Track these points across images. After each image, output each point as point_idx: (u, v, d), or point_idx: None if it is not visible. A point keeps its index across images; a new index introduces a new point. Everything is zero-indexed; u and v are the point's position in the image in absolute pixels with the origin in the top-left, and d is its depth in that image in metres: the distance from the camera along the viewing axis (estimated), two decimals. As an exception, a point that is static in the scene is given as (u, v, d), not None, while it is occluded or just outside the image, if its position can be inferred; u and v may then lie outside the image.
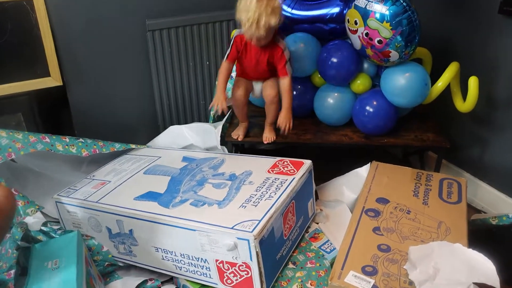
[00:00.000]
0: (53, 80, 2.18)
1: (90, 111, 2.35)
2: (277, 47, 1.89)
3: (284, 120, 1.96)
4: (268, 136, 2.08)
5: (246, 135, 2.16)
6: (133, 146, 2.19)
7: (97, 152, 2.04)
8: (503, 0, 1.97)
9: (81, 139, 2.03)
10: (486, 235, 1.84)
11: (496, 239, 1.81)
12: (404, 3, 1.82)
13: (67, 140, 1.99)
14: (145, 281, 1.77)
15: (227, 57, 1.93)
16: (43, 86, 2.17)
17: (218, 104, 1.91)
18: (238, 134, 2.12)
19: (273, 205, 1.59)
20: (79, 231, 1.71)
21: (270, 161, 1.91)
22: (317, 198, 1.99)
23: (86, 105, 2.33)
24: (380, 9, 1.83)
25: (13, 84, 2.06)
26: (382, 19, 1.83)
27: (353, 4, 1.93)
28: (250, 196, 1.66)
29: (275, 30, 1.85)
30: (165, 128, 2.44)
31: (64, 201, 1.82)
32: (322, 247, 1.81)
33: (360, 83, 2.11)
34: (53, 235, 1.70)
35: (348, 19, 1.97)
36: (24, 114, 2.19)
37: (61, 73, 2.20)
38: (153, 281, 1.77)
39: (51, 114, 2.28)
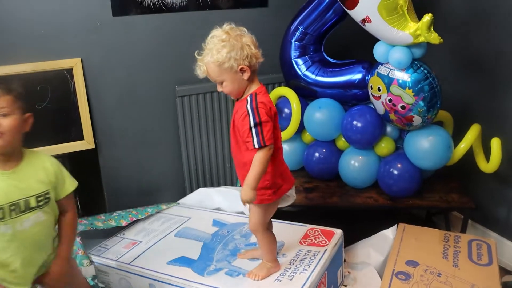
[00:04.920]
0: (86, 143, 2.25)
1: (120, 172, 2.41)
2: (245, 104, 1.43)
3: (242, 195, 1.44)
4: (253, 273, 1.64)
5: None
6: (164, 206, 2.24)
7: (134, 219, 2.09)
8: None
9: (115, 213, 2.11)
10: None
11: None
12: (425, 71, 1.91)
13: (103, 217, 2.08)
14: None
15: None
16: (76, 149, 2.24)
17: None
18: None
19: (307, 278, 1.59)
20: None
21: (301, 229, 1.91)
22: (344, 260, 1.99)
23: (116, 166, 2.39)
24: (402, 76, 1.92)
25: (48, 147, 2.13)
26: (404, 85, 1.91)
27: (375, 72, 2.01)
28: (285, 269, 1.66)
29: (246, 82, 1.43)
30: (191, 190, 2.48)
31: (96, 260, 1.84)
32: (351, 311, 1.80)
33: (384, 146, 2.16)
34: None
35: (371, 86, 2.05)
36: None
37: (94, 137, 2.28)
38: None
39: (82, 175, 2.34)
